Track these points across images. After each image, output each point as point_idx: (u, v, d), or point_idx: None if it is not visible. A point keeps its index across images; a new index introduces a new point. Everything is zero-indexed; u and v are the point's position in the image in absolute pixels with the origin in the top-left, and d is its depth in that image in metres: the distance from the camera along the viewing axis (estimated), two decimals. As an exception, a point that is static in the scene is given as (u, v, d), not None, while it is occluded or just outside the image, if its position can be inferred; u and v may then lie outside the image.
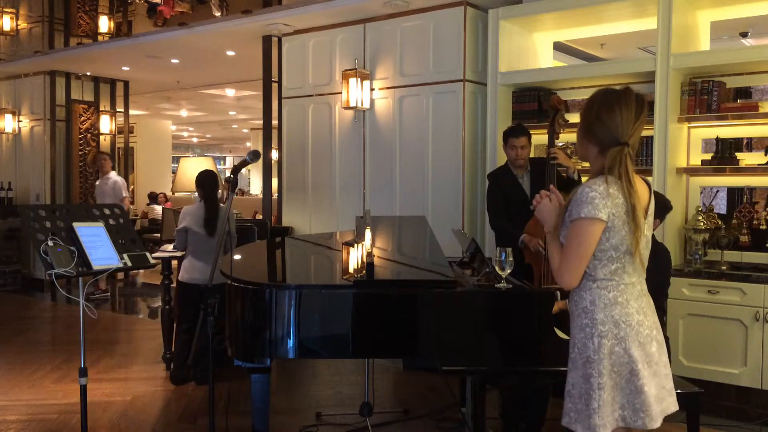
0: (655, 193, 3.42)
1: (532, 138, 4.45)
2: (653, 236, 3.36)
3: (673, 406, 2.05)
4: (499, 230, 4.22)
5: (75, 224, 2.93)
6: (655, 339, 2.03)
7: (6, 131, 9.05)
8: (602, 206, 1.93)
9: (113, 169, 8.17)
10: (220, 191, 4.93)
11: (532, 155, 4.49)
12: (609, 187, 1.95)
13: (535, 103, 5.00)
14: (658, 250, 3.25)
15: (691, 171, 4.52)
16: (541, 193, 2.16)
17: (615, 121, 1.98)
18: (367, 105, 5.72)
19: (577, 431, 2.00)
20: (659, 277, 3.23)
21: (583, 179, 4.92)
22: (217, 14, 6.82)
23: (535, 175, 4.14)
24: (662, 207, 3.34)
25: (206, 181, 4.63)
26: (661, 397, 2.02)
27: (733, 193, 4.49)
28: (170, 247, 4.92)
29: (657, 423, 1.99)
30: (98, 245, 2.95)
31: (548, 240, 2.10)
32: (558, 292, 3.24)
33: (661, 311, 3.25)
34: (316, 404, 4.18)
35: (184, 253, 4.70)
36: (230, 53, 7.49)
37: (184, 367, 4.60)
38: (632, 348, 1.97)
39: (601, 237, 1.97)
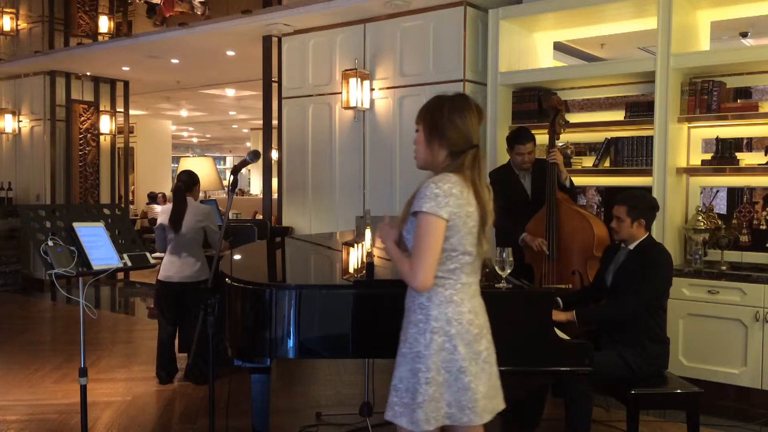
0: (635, 192, 3.41)
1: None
2: (654, 241, 3.34)
3: (501, 404, 2.10)
4: (502, 229, 4.21)
5: (75, 224, 2.93)
6: (484, 338, 2.07)
7: (6, 131, 9.05)
8: (444, 204, 1.96)
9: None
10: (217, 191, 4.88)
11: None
12: (453, 187, 1.98)
13: (535, 103, 4.99)
14: (658, 257, 3.22)
15: (691, 171, 4.52)
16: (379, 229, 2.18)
17: (467, 124, 2.07)
18: (367, 105, 5.72)
19: (401, 425, 2.03)
20: (661, 284, 3.22)
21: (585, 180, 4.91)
22: (198, 13, 6.78)
23: (536, 175, 4.14)
24: (649, 206, 3.30)
25: (179, 181, 4.64)
26: (491, 395, 2.06)
27: (733, 193, 4.49)
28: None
29: (483, 420, 2.03)
30: (98, 245, 2.95)
31: (388, 249, 2.10)
32: (559, 298, 3.24)
33: (662, 311, 3.25)
34: (316, 404, 4.18)
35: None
36: (230, 53, 7.50)
37: (171, 364, 4.63)
38: (460, 346, 2.00)
39: None
